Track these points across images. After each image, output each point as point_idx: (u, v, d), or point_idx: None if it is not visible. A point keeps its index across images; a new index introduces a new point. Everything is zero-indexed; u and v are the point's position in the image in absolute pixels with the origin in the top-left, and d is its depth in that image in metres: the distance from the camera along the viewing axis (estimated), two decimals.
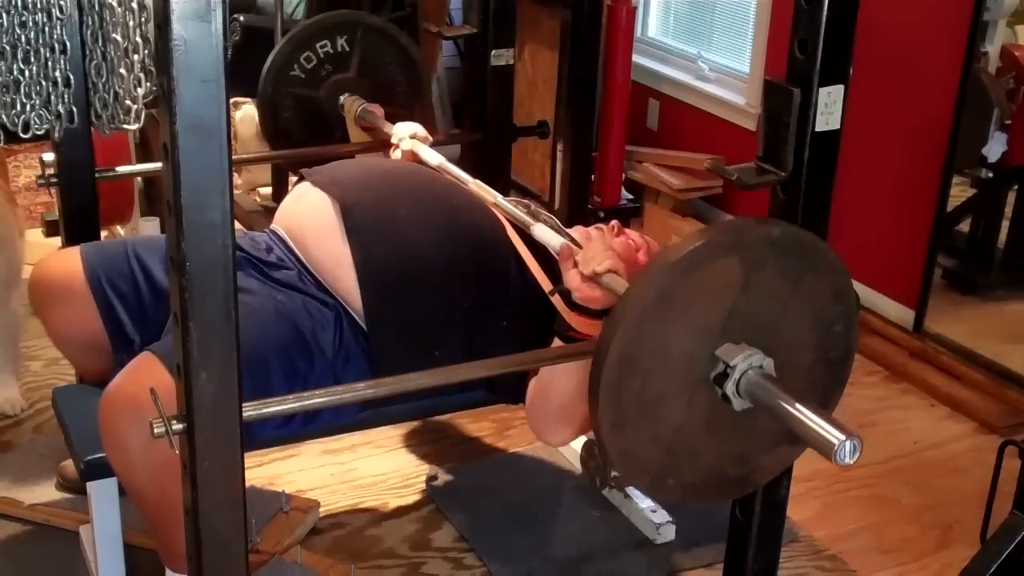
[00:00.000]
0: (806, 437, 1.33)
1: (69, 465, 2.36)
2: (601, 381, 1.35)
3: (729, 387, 1.38)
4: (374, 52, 2.86)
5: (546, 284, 1.93)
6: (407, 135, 2.44)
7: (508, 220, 2.08)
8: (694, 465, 1.46)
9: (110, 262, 2.02)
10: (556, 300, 1.85)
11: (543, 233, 1.95)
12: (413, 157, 2.39)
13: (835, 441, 1.29)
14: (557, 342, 1.86)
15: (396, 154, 2.43)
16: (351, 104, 2.75)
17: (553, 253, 1.90)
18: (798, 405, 1.34)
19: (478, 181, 2.21)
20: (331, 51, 2.82)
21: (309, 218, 2.04)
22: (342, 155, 2.72)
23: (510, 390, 2.05)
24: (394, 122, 2.56)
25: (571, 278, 1.79)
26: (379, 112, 2.70)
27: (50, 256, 2.13)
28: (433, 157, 2.35)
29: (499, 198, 2.11)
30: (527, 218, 2.01)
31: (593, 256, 1.77)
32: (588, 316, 1.79)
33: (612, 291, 1.71)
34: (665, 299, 1.34)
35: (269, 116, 2.84)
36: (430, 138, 2.46)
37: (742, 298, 1.39)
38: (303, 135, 2.87)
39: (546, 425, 1.97)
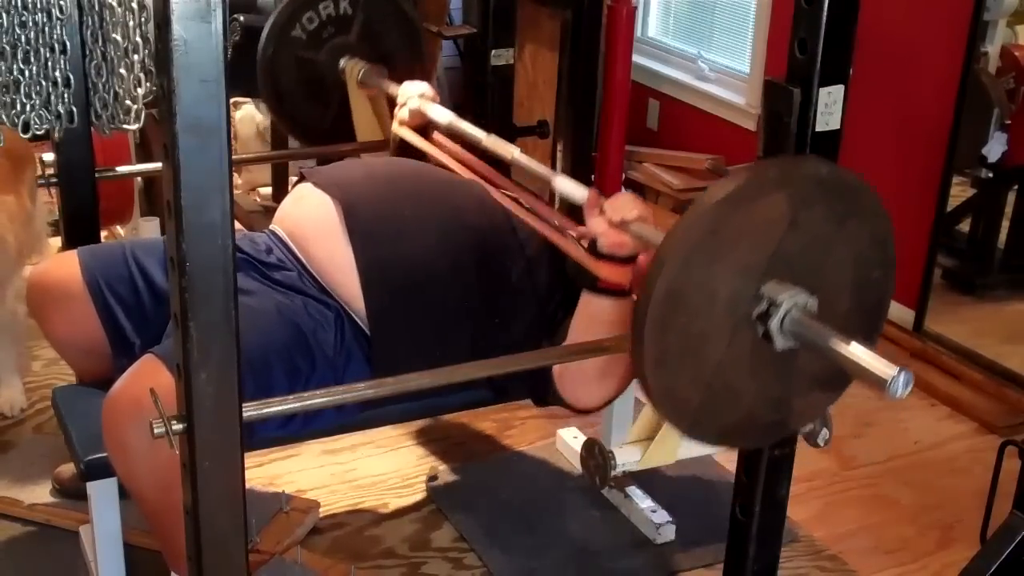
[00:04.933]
0: (857, 372, 1.31)
1: (64, 470, 2.36)
2: (647, 317, 1.33)
3: (773, 325, 1.36)
4: (376, 16, 2.79)
5: (572, 248, 1.88)
6: (415, 94, 2.35)
7: (517, 203, 2.05)
8: (732, 407, 1.44)
9: (108, 265, 2.02)
10: (579, 252, 1.82)
11: (564, 185, 1.92)
12: (421, 117, 2.32)
13: (887, 375, 1.27)
14: (586, 296, 1.84)
15: (403, 113, 2.35)
16: (352, 67, 2.68)
17: (577, 203, 1.86)
18: (848, 340, 1.32)
19: (493, 136, 2.16)
20: (333, 13, 2.75)
21: (310, 219, 2.03)
22: (344, 154, 2.72)
23: (524, 386, 2.02)
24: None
25: (597, 224, 1.76)
26: (383, 72, 2.63)
27: (47, 260, 2.13)
28: (443, 115, 2.27)
29: (516, 152, 2.06)
30: (547, 172, 1.98)
31: (623, 205, 1.75)
32: (615, 263, 1.78)
33: (641, 238, 1.70)
34: (714, 234, 1.33)
35: (269, 77, 2.78)
36: (438, 97, 2.38)
37: (788, 237, 1.37)
38: (302, 98, 2.81)
39: (587, 389, 1.94)
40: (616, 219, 1.73)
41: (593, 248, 1.79)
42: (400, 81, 2.47)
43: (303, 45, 2.75)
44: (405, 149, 2.36)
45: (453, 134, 2.27)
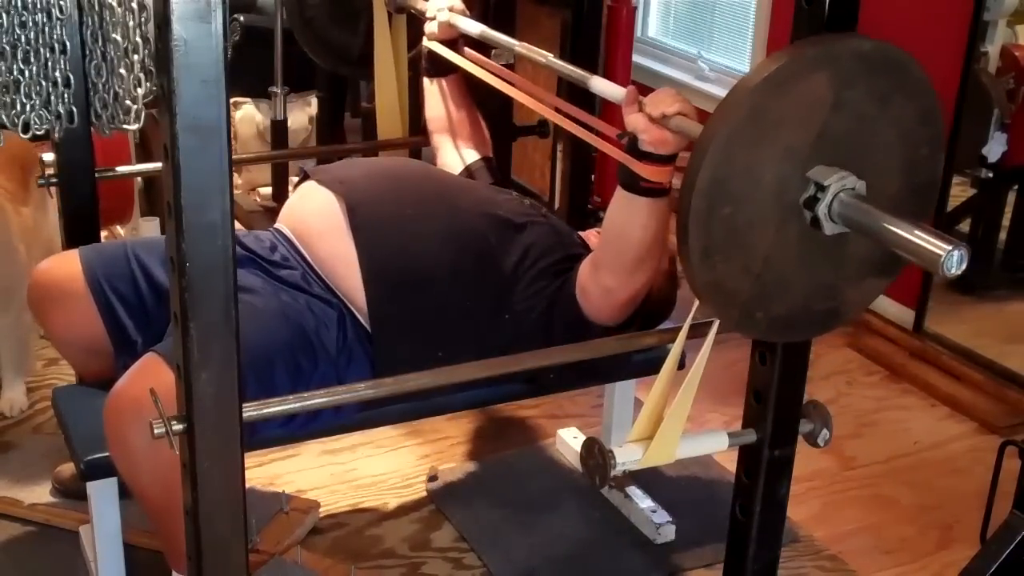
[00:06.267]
0: (910, 251, 1.28)
1: (64, 470, 2.36)
2: (691, 207, 1.30)
3: (821, 210, 1.33)
4: None
5: (613, 150, 1.81)
6: (444, 7, 2.30)
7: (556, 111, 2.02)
8: (783, 297, 1.42)
9: (110, 264, 2.02)
10: (621, 153, 1.75)
11: (601, 85, 1.88)
12: (450, 30, 2.29)
13: (941, 252, 1.24)
14: (622, 194, 1.77)
15: (431, 27, 2.31)
16: None
17: (615, 101, 1.80)
18: (898, 221, 1.29)
19: (525, 44, 2.13)
20: None
21: (314, 216, 2.03)
22: (346, 153, 2.71)
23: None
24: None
25: (637, 121, 1.69)
26: None
27: (49, 260, 2.13)
28: (473, 26, 2.24)
29: (550, 57, 2.03)
30: (583, 73, 1.94)
31: (662, 99, 1.68)
32: (657, 162, 1.71)
33: (683, 133, 1.65)
34: (755, 119, 1.30)
35: (296, 4, 2.75)
36: (467, 10, 2.33)
37: (832, 118, 1.34)
38: (329, 24, 2.77)
39: (619, 282, 1.85)
40: (656, 114, 1.67)
41: (634, 147, 1.72)
42: None
43: None
44: (435, 63, 2.35)
45: (483, 45, 2.24)
